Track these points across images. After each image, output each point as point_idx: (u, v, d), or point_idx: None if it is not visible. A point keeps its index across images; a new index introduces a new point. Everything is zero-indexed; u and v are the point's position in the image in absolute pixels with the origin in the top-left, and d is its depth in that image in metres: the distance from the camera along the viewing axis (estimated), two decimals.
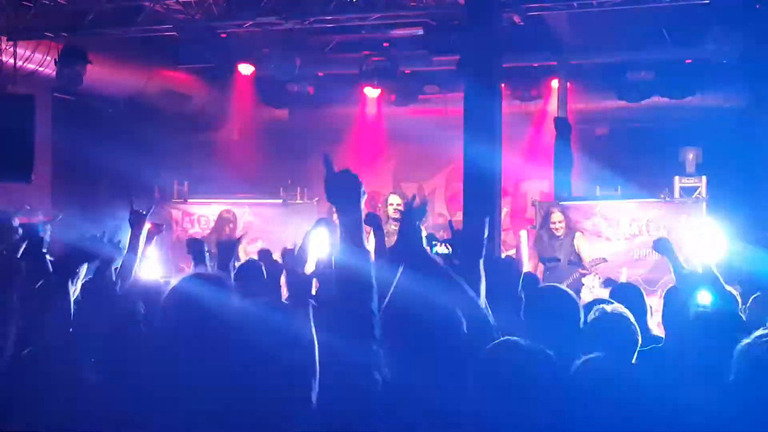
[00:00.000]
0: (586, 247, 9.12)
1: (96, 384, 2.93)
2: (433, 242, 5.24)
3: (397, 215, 8.66)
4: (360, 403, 2.40)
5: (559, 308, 3.35)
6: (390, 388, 2.47)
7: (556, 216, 9.06)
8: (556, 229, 9.06)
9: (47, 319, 3.18)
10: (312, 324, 2.42)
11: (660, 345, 3.93)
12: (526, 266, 8.76)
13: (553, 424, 2.38)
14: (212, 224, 10.58)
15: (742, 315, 4.23)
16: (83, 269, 3.77)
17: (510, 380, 2.41)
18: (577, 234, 9.19)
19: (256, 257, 6.39)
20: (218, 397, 2.37)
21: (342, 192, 2.69)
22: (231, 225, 10.37)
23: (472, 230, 3.93)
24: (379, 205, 11.76)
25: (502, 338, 2.58)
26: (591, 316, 3.81)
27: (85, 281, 4.52)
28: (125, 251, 4.46)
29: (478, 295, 3.25)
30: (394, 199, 9.10)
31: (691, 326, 3.31)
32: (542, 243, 9.17)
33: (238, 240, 4.74)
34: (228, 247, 4.35)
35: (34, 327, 3.17)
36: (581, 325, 3.41)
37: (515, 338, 2.55)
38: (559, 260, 8.96)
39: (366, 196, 2.74)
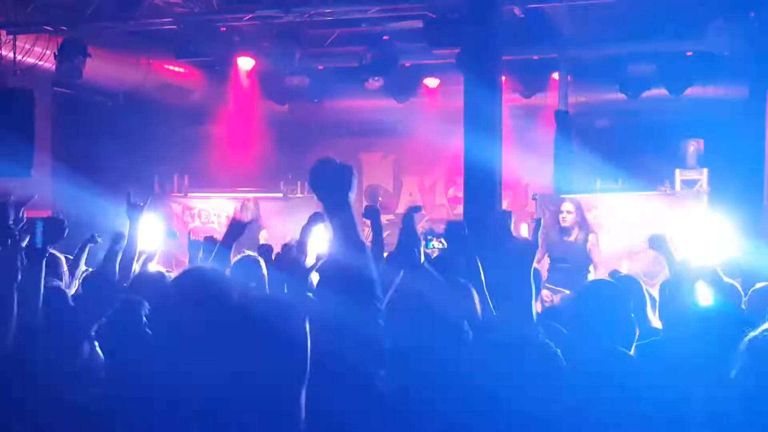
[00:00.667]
0: (598, 250, 8.92)
1: (101, 376, 2.93)
2: (428, 237, 5.24)
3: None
4: (360, 405, 2.38)
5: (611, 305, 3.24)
6: (395, 389, 2.44)
7: (566, 206, 8.89)
8: (563, 218, 8.93)
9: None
10: (306, 319, 2.38)
11: (659, 338, 3.92)
12: None
13: (553, 414, 2.38)
14: (212, 218, 10.62)
15: (744, 308, 4.22)
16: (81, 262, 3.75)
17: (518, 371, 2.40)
18: (591, 235, 9.03)
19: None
20: (219, 390, 2.37)
21: (329, 186, 2.50)
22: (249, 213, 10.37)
23: (473, 224, 3.92)
24: (380, 199, 11.79)
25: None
26: None
27: (86, 274, 4.53)
28: (125, 245, 4.48)
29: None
30: None
31: (691, 320, 3.30)
32: (550, 241, 8.93)
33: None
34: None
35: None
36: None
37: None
38: (566, 262, 8.69)
39: (354, 189, 2.54)
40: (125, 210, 4.58)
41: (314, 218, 3.77)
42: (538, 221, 3.85)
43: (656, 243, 4.75)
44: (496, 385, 2.37)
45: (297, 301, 2.54)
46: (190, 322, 2.56)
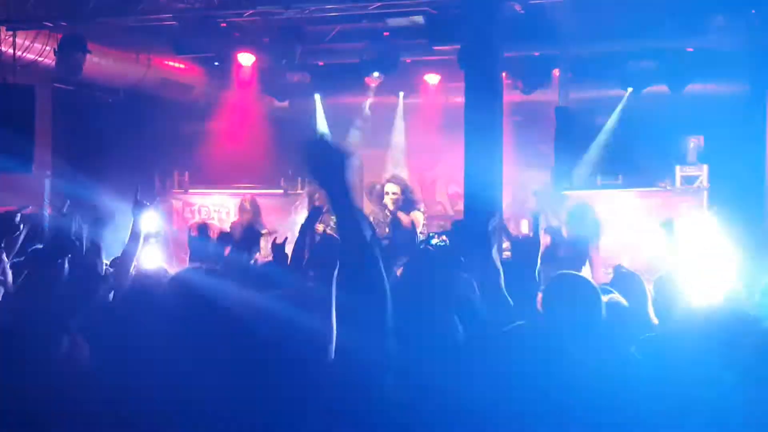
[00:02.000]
0: None
1: (95, 372, 2.92)
2: (430, 234, 5.26)
3: (392, 206, 8.55)
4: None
5: (581, 299, 3.13)
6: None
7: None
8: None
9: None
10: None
11: (656, 334, 3.91)
12: None
13: (553, 408, 2.38)
14: (212, 214, 10.63)
15: (746, 306, 4.22)
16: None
17: (521, 364, 2.40)
18: None
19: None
20: (217, 386, 2.36)
21: (322, 165, 2.31)
22: (247, 215, 10.33)
23: (475, 219, 3.91)
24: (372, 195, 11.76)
25: (517, 323, 2.56)
26: None
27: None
28: (127, 240, 4.49)
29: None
30: (391, 188, 8.96)
31: (690, 317, 3.29)
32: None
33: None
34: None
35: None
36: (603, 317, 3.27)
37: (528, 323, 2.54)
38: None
39: (351, 167, 2.34)
40: (131, 207, 4.60)
41: (314, 214, 3.72)
42: (536, 217, 3.83)
43: (667, 227, 4.74)
44: (500, 380, 2.37)
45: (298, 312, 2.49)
46: (190, 316, 2.54)
